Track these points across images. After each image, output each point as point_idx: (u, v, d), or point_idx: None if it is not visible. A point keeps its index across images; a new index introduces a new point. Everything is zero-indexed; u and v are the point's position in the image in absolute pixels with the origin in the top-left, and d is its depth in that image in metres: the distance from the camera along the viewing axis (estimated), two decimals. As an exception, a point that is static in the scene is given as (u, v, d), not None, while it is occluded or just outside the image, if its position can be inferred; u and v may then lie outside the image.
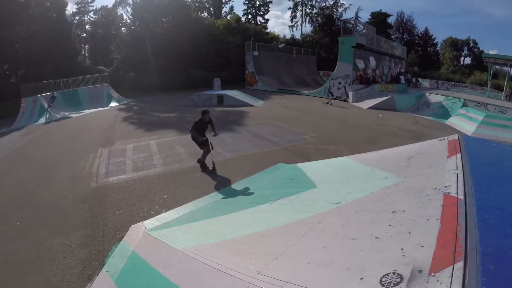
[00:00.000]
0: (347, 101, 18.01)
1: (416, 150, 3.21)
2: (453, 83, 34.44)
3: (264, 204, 2.78)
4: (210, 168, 5.67)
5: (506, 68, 27.33)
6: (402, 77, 22.39)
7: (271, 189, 3.45)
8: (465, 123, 13.13)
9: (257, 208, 2.77)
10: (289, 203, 2.59)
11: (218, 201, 3.91)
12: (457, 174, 2.19)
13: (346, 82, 18.85)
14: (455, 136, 3.40)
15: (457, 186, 1.95)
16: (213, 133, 5.60)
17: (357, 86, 18.63)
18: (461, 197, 1.76)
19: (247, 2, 46.54)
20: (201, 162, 5.76)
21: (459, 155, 2.70)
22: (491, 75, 24.92)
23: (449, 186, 1.97)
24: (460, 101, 15.20)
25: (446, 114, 14.57)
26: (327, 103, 16.74)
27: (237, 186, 4.50)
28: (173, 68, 25.82)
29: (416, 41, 51.47)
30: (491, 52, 50.37)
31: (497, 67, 30.12)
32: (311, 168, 3.62)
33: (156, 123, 11.62)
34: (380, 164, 2.83)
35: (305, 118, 12.27)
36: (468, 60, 52.21)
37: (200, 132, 5.51)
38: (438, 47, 52.89)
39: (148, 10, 27.12)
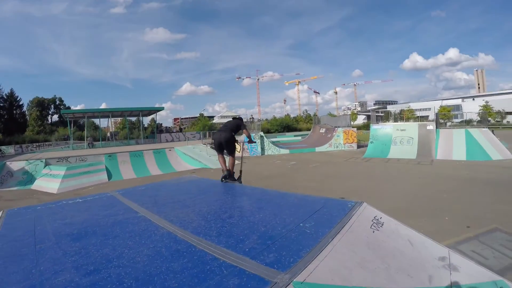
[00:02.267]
0: None
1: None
2: (38, 143, 32.28)
3: None
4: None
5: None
6: (-20, 152, 19.73)
7: None
8: (50, 182, 12.90)
9: None
10: None
11: None
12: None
13: None
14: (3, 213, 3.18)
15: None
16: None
17: None
18: None
19: None
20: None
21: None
22: (71, 129, 26.33)
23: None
24: (42, 161, 14.82)
25: (31, 179, 13.85)
26: None
27: None
28: None
29: (1, 104, 44.92)
30: (78, 107, 54.70)
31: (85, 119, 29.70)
32: None
33: None
34: None
35: None
36: (56, 117, 50.95)
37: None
38: (24, 109, 48.49)
39: None
